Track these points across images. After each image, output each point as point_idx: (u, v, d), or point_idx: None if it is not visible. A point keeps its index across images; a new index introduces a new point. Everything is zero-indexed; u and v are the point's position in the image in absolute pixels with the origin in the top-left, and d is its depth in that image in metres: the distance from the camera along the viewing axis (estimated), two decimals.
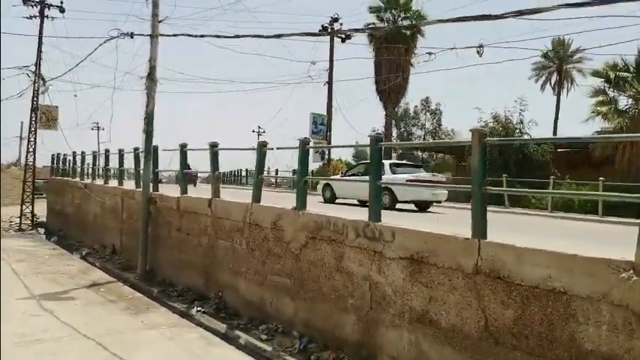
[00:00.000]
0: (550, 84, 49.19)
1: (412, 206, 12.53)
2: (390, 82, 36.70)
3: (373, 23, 36.40)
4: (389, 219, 6.79)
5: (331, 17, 28.68)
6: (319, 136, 27.75)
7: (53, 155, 26.40)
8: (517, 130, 27.40)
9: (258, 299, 8.82)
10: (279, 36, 13.61)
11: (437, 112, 55.07)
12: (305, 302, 7.78)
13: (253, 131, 61.86)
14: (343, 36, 29.26)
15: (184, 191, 11.97)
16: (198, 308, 9.50)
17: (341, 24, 28.98)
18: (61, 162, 24.51)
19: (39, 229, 24.54)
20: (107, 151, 17.94)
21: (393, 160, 14.82)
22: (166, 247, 12.38)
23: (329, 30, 28.55)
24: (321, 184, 14.10)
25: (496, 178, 20.03)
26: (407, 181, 10.99)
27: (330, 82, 28.43)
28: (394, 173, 12.02)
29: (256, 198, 9.35)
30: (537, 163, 24.95)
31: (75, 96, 28.70)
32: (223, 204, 10.16)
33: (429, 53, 14.08)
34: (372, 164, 7.10)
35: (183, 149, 12.04)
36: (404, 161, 19.56)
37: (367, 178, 7.27)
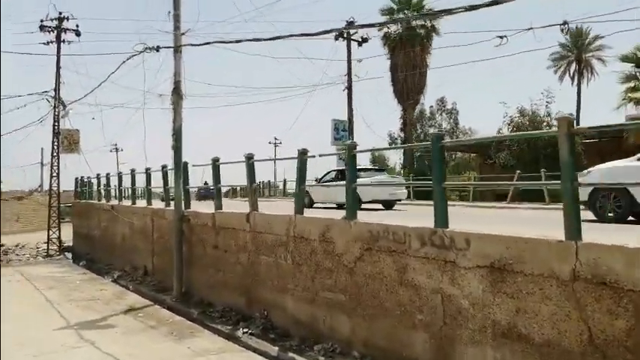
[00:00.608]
0: (569, 74, 47.99)
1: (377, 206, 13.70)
2: (407, 82, 36.19)
3: (386, 25, 36.01)
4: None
5: (347, 21, 28.22)
6: (342, 142, 27.19)
7: (77, 178, 26.33)
8: (545, 124, 26.46)
9: (309, 317, 8.24)
10: (291, 36, 13.03)
11: (453, 112, 54.27)
12: (363, 319, 7.17)
13: (270, 143, 61.73)
14: (360, 39, 28.80)
15: (219, 206, 11.49)
16: (245, 330, 8.96)
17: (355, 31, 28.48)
18: (86, 185, 24.34)
19: (66, 253, 24.38)
20: (133, 170, 17.62)
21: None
22: (202, 266, 11.88)
23: (344, 34, 28.12)
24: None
25: (530, 173, 19.36)
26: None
27: (349, 87, 27.91)
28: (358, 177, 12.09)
29: (299, 209, 8.81)
30: None
31: (93, 119, 28.59)
32: (263, 218, 9.63)
33: (501, 37, 13.25)
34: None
35: (215, 163, 11.57)
36: (369, 166, 22.98)
37: (343, 182, 8.41)
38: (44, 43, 25.01)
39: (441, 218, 6.09)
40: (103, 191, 21.26)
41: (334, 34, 27.95)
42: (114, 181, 20.40)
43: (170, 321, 10.01)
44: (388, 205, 14.28)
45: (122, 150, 60.53)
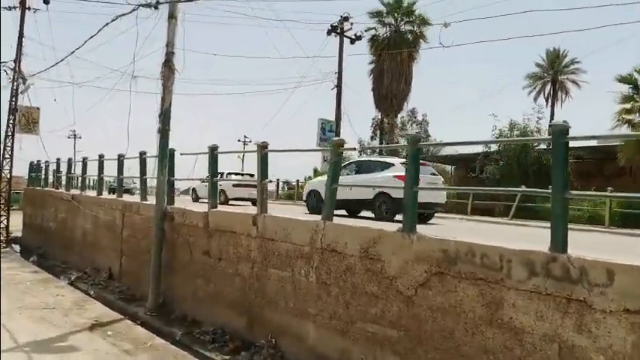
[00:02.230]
0: (544, 95, 48.37)
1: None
2: (392, 88, 34.96)
3: (374, 28, 34.81)
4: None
5: (341, 16, 26.70)
6: (328, 143, 25.53)
7: (32, 163, 23.52)
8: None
9: (338, 353, 6.47)
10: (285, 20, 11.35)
11: (423, 123, 53.39)
12: None
13: (239, 141, 59.10)
14: (353, 36, 27.31)
15: (214, 205, 9.55)
16: None
17: (351, 24, 27.02)
18: (42, 170, 21.64)
19: (13, 245, 21.55)
20: (102, 156, 15.32)
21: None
22: (186, 275, 9.91)
23: (338, 30, 26.55)
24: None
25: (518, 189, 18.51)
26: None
27: (339, 86, 26.32)
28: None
29: (328, 215, 7.04)
30: None
31: (55, 100, 25.72)
32: (276, 222, 7.80)
33: (445, 24, 12.87)
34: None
35: (214, 152, 9.64)
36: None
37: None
38: (6, 8, 22.16)
39: (561, 239, 4.48)
40: (63, 178, 18.75)
41: (327, 27, 26.62)
42: (76, 168, 17.98)
43: (149, 344, 7.97)
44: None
45: (80, 137, 56.61)
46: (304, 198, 11.82)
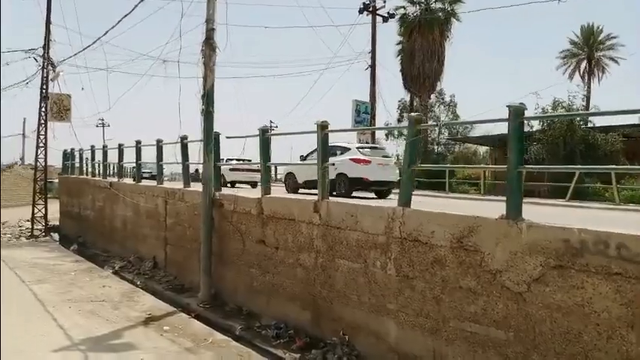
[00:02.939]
0: (579, 73, 46.31)
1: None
2: (424, 68, 33.69)
3: (403, 7, 33.51)
4: None
5: None
6: (363, 125, 24.56)
7: (65, 151, 23.34)
8: (579, 118, 24.30)
9: (429, 354, 5.78)
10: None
11: (451, 104, 51.47)
12: None
13: (265, 126, 58.37)
14: (386, 14, 26.11)
15: (267, 190, 8.91)
16: None
17: (384, 1, 25.78)
18: (76, 158, 21.39)
19: (52, 234, 21.52)
20: (139, 142, 14.83)
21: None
22: (240, 265, 9.35)
23: (370, 8, 25.38)
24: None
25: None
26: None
27: (373, 66, 25.24)
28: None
29: (406, 200, 6.30)
30: (604, 153, 21.88)
31: (82, 89, 25.26)
32: (343, 208, 7.09)
33: None
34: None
35: (265, 135, 8.95)
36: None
37: None
38: None
39: None
40: (99, 166, 18.42)
41: (359, 6, 25.47)
42: (113, 155, 17.58)
43: (210, 341, 7.45)
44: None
45: (109, 125, 56.64)
46: (283, 180, 12.79)
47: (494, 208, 5.58)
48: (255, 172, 16.77)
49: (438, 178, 23.37)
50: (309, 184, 10.31)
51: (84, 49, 18.93)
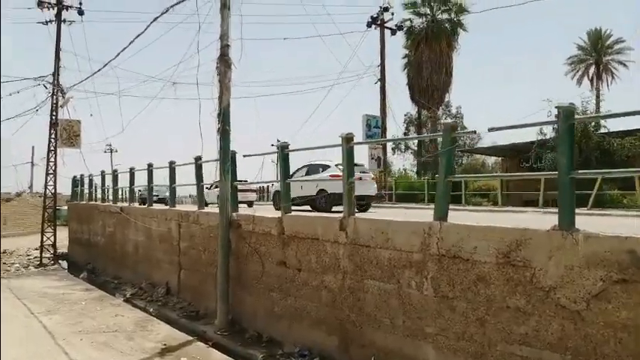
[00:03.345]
0: (588, 78, 46.19)
1: None
2: (432, 80, 33.59)
3: (409, 19, 33.55)
4: None
5: (381, 7, 25.50)
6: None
7: (75, 177, 23.15)
8: (593, 123, 23.86)
9: None
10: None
11: (458, 116, 51.24)
12: None
13: (272, 145, 58.05)
14: (394, 27, 26.11)
15: (287, 209, 8.52)
16: None
17: (392, 14, 25.81)
18: (85, 184, 21.17)
19: (60, 262, 21.14)
20: (150, 165, 14.56)
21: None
22: (259, 289, 8.90)
23: (378, 21, 25.36)
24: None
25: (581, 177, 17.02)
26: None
27: (382, 79, 25.11)
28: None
29: (442, 214, 5.88)
30: (621, 159, 21.42)
31: (91, 115, 25.19)
32: (372, 225, 6.68)
33: None
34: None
35: (284, 151, 8.61)
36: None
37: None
38: (43, 23, 21.90)
39: None
40: (109, 191, 18.15)
41: (367, 20, 25.43)
42: (123, 180, 17.32)
43: None
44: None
45: (117, 151, 56.75)
46: (272, 198, 13.53)
47: (530, 219, 5.17)
48: (250, 192, 17.05)
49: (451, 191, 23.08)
50: (297, 201, 10.52)
51: (94, 74, 18.85)
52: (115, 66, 22.74)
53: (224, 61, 9.82)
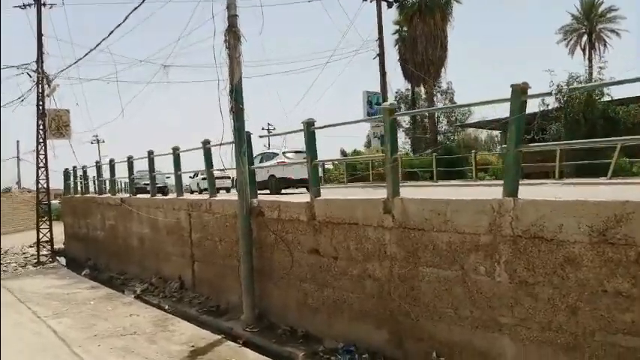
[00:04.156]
0: (580, 47, 45.66)
1: None
2: (428, 54, 32.75)
3: None
4: None
5: None
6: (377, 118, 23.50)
7: (67, 170, 22.13)
8: (596, 91, 23.29)
9: None
10: None
11: (449, 92, 50.23)
12: None
13: (263, 129, 56.61)
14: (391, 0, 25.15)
15: (317, 193, 7.76)
16: None
17: None
18: (80, 177, 20.18)
19: (59, 259, 20.27)
20: (151, 152, 13.66)
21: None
22: (288, 280, 8.20)
23: None
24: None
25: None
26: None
27: (381, 54, 24.23)
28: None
29: (512, 189, 5.18)
30: (627, 126, 20.96)
31: (77, 104, 24.05)
32: (426, 205, 5.95)
33: None
34: None
35: (310, 129, 7.80)
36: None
37: None
38: (21, 7, 20.60)
39: None
40: (106, 182, 17.24)
41: None
42: (120, 169, 16.41)
43: None
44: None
45: (103, 142, 55.05)
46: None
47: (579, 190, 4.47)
48: (225, 179, 17.35)
49: (452, 167, 22.85)
50: (260, 186, 11.01)
51: (82, 58, 17.60)
52: (103, 50, 21.58)
53: (233, 33, 8.90)
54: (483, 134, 46.40)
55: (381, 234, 6.51)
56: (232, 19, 8.93)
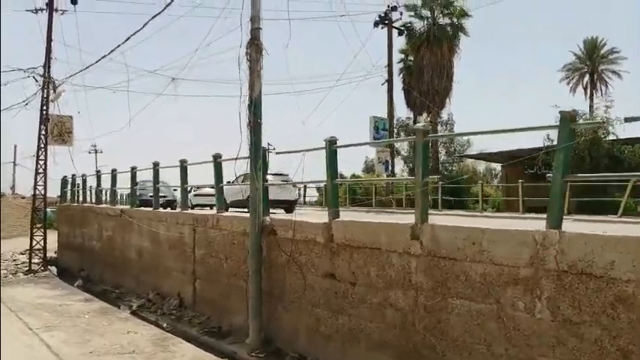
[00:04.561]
0: (582, 86, 46.24)
1: None
2: (434, 84, 32.88)
3: (410, 22, 32.74)
4: None
5: (389, 5, 24.66)
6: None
7: (65, 177, 21.72)
8: (603, 131, 23.31)
9: None
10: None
11: (449, 124, 50.29)
12: None
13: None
14: (402, 27, 25.28)
15: (336, 213, 7.44)
16: None
17: (401, 13, 24.99)
18: (78, 185, 19.76)
19: (50, 268, 19.66)
20: (156, 164, 13.33)
21: None
22: (300, 304, 7.80)
23: (385, 20, 24.49)
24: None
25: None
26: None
27: (390, 80, 24.23)
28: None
29: (557, 221, 4.88)
30: (631, 166, 20.90)
31: (79, 112, 23.61)
32: (459, 234, 5.63)
33: None
34: None
35: (332, 146, 7.52)
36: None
37: None
38: (32, 11, 20.49)
39: None
40: (105, 193, 16.84)
41: (374, 19, 24.54)
42: (122, 180, 16.03)
43: None
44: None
45: (102, 152, 54.46)
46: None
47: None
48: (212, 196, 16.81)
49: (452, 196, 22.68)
50: (235, 204, 11.71)
51: (94, 64, 17.48)
52: (112, 58, 21.43)
53: (255, 46, 8.71)
54: (481, 166, 46.41)
55: (406, 261, 6.17)
56: (255, 31, 8.74)
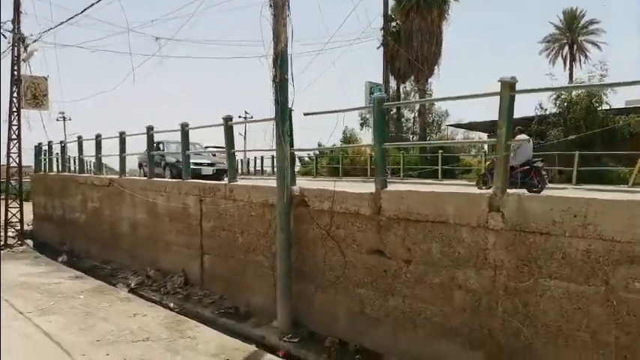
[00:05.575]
0: (562, 57, 46.26)
1: None
2: (423, 50, 31.91)
3: None
4: None
5: None
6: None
7: (39, 145, 20.11)
8: (596, 97, 22.99)
9: None
10: None
11: (427, 93, 49.47)
12: None
13: (239, 117, 54.14)
14: None
15: (384, 183, 6.55)
16: None
17: None
18: (56, 153, 18.23)
19: (27, 241, 18.27)
20: (150, 128, 12.09)
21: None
22: (339, 284, 6.97)
23: None
24: None
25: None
26: None
27: (385, 44, 23.15)
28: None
29: None
30: (624, 136, 20.80)
31: (47, 77, 21.73)
32: (555, 204, 4.83)
33: None
34: None
35: (381, 105, 6.55)
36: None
37: None
38: None
39: None
40: (93, 160, 15.49)
41: None
42: (108, 146, 14.69)
43: None
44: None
45: (70, 119, 51.60)
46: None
47: None
48: (209, 166, 15.85)
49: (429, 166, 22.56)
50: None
51: (64, 22, 15.80)
52: (88, 15, 19.63)
53: None
54: (459, 136, 46.21)
55: (481, 236, 5.37)
56: None
